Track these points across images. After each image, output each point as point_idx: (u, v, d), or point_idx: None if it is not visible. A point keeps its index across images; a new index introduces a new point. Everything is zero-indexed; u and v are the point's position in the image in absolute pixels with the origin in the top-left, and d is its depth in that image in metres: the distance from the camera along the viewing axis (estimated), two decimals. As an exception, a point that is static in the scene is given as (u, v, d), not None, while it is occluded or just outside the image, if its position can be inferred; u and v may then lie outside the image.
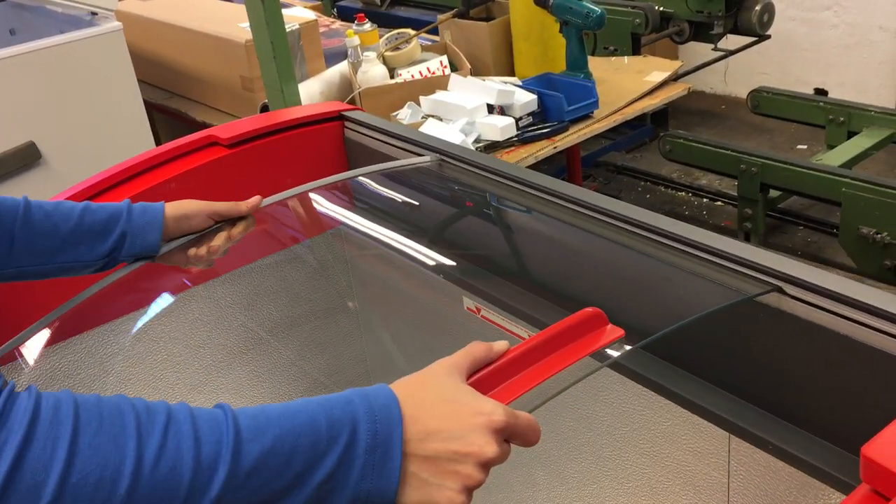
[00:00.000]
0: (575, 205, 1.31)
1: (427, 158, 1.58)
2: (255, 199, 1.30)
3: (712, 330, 1.14)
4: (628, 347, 1.00)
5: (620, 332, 0.94)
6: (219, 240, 1.25)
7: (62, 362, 1.54)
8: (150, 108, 3.16)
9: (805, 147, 4.12)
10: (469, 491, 0.70)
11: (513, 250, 1.55)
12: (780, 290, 1.04)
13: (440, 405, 0.70)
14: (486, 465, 0.70)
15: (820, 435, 1.04)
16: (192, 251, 1.24)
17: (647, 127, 4.28)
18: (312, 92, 2.72)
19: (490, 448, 0.69)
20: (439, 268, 1.60)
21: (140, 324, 1.62)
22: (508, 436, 0.72)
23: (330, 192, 1.67)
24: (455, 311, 1.59)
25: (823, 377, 1.02)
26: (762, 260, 1.07)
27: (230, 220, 1.29)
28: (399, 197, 1.71)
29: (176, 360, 1.72)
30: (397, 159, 1.64)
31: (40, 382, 1.53)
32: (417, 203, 1.70)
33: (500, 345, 0.80)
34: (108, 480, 0.60)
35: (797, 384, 1.05)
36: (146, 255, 1.20)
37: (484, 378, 0.80)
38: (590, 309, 0.92)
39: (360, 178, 1.65)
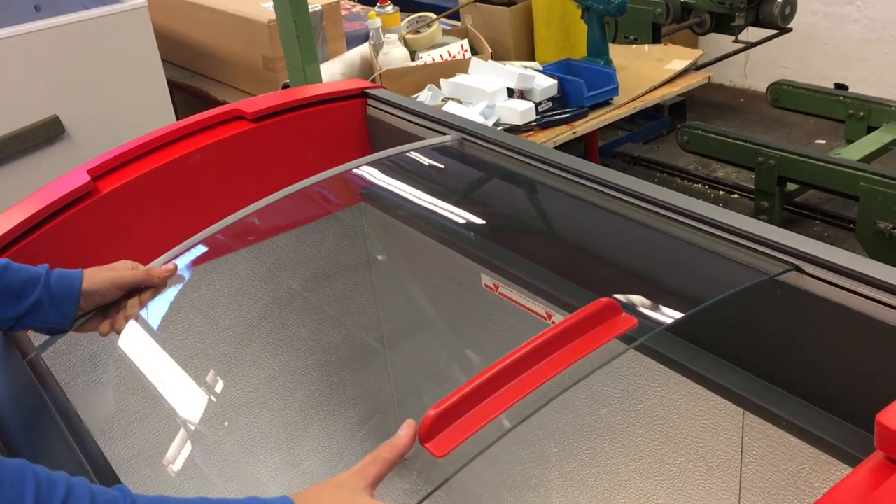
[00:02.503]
0: (595, 184, 1.33)
1: (449, 137, 1.60)
2: (170, 265, 1.27)
3: (729, 309, 1.15)
4: (650, 332, 1.03)
5: (633, 321, 0.97)
6: (133, 308, 1.22)
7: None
8: (172, 86, 3.18)
9: (824, 142, 4.10)
10: None
11: (532, 228, 1.56)
12: (799, 269, 1.05)
13: None
14: None
15: (835, 411, 1.05)
16: (107, 323, 1.21)
17: (665, 119, 4.27)
18: (333, 73, 2.74)
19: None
20: (458, 244, 1.62)
21: (162, 293, 1.64)
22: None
23: (352, 169, 1.69)
24: (473, 287, 1.60)
25: (840, 354, 1.03)
26: (781, 239, 1.08)
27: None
28: (420, 175, 1.73)
29: (196, 329, 1.75)
30: (419, 137, 1.65)
31: (61, 351, 1.56)
32: (438, 181, 1.71)
33: (402, 435, 0.83)
34: None
35: (813, 361, 1.07)
36: (59, 327, 1.16)
37: (504, 371, 0.86)
38: (603, 300, 0.96)
39: (381, 155, 1.67)
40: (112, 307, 1.22)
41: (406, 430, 0.83)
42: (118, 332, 1.23)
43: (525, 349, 0.91)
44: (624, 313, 0.99)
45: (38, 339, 1.40)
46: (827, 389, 1.05)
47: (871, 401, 0.86)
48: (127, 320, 1.22)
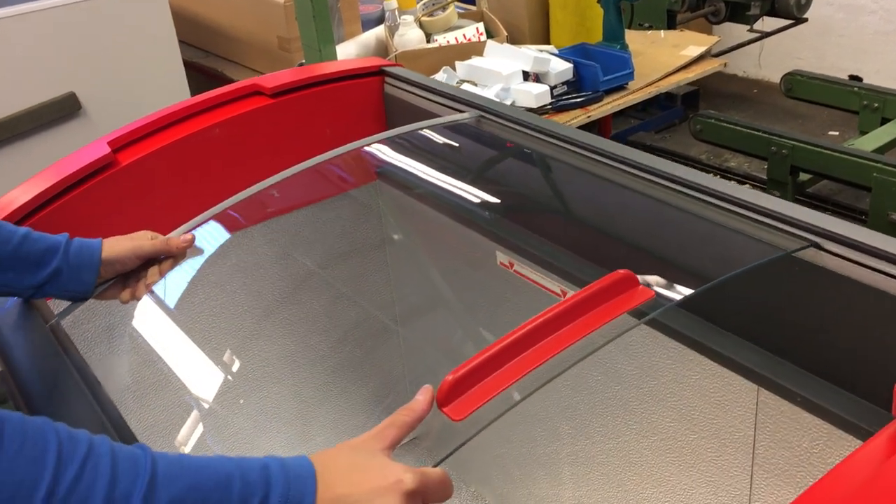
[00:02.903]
0: (612, 161, 1.33)
1: (467, 115, 1.61)
2: (186, 236, 1.28)
3: (746, 285, 1.16)
4: (665, 305, 1.04)
5: (650, 292, 0.97)
6: (153, 276, 1.23)
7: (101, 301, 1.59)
8: (187, 66, 3.18)
9: (837, 133, 4.09)
10: None
11: (548, 206, 1.57)
12: (817, 246, 1.05)
13: (352, 473, 0.74)
14: None
15: (850, 387, 1.06)
16: (128, 291, 1.22)
17: (678, 108, 4.26)
18: (349, 54, 2.75)
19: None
20: (473, 222, 1.63)
21: (180, 266, 1.66)
22: (422, 497, 0.75)
23: (368, 146, 1.69)
24: (488, 265, 1.61)
25: (857, 330, 1.04)
26: (799, 215, 1.09)
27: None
28: (436, 152, 1.73)
29: (212, 303, 1.76)
30: (436, 115, 1.66)
31: (79, 320, 1.57)
32: (454, 158, 1.72)
33: (420, 400, 0.83)
34: (20, 500, 0.60)
35: (829, 337, 1.07)
36: (80, 295, 1.18)
37: (523, 338, 0.87)
38: (621, 271, 0.96)
39: (398, 131, 1.68)
40: (132, 276, 1.24)
41: (424, 395, 0.84)
42: (138, 300, 1.25)
43: (543, 318, 0.92)
44: (641, 286, 1.00)
45: (56, 307, 1.42)
46: (842, 365, 1.06)
47: (887, 376, 0.87)
48: (147, 289, 1.24)
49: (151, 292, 1.33)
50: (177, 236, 1.30)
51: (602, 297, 0.96)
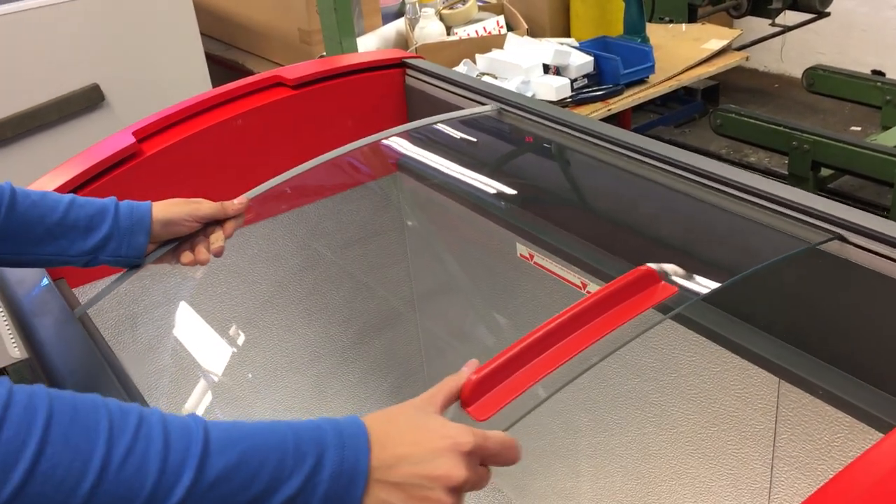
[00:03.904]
0: (632, 152, 1.33)
1: (488, 107, 1.61)
2: (241, 199, 1.23)
3: (768, 278, 1.16)
4: (690, 300, 1.04)
5: (673, 289, 0.96)
6: (218, 240, 1.18)
7: (131, 287, 1.61)
8: (208, 59, 3.20)
9: (859, 129, 4.06)
10: None
11: (569, 198, 1.57)
12: (842, 238, 1.05)
13: (408, 433, 0.72)
14: (455, 490, 0.70)
15: (872, 380, 1.06)
16: (188, 254, 1.17)
17: (698, 102, 4.24)
18: (369, 47, 2.75)
19: (458, 471, 0.70)
20: (493, 214, 1.63)
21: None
22: (481, 458, 0.73)
23: (388, 137, 1.70)
24: (508, 257, 1.62)
25: (881, 324, 1.04)
26: (823, 207, 1.08)
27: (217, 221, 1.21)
28: (456, 144, 1.74)
29: (234, 292, 1.78)
30: (458, 107, 1.66)
31: (104, 309, 1.59)
32: (474, 150, 1.72)
33: (465, 371, 0.82)
34: (75, 473, 0.60)
35: (852, 330, 1.07)
36: (133, 260, 1.13)
37: (545, 336, 0.86)
38: (641, 268, 0.96)
39: (418, 124, 1.68)
40: (192, 239, 1.18)
41: (469, 367, 0.82)
42: (202, 265, 1.18)
43: (564, 316, 0.90)
44: (663, 282, 1.00)
45: (82, 296, 1.44)
46: (865, 358, 1.06)
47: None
48: (213, 252, 1.17)
49: (183, 278, 1.30)
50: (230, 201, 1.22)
51: (623, 295, 0.96)
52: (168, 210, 1.15)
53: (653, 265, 1.00)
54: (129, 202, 1.13)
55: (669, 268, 1.27)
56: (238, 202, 1.21)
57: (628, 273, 0.98)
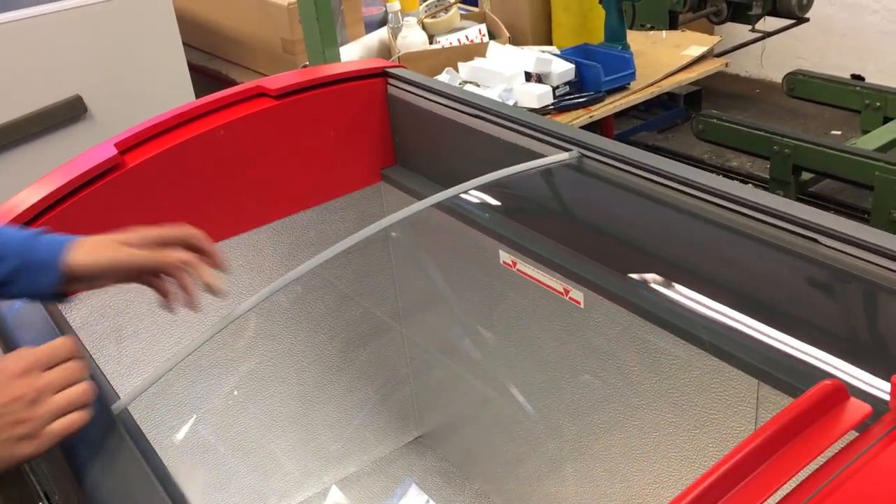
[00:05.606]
0: (613, 160, 1.35)
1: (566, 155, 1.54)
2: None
3: (746, 282, 1.17)
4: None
5: (868, 408, 0.79)
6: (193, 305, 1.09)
7: (113, 300, 1.61)
8: (190, 69, 3.21)
9: (839, 133, 4.10)
10: (30, 432, 0.79)
11: (550, 205, 1.58)
12: (816, 242, 1.07)
13: None
14: (34, 401, 0.79)
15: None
16: (162, 298, 1.10)
17: (680, 108, 4.28)
18: (352, 56, 2.77)
19: (20, 383, 0.78)
20: (476, 222, 1.64)
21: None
22: (42, 367, 0.81)
23: (372, 146, 1.71)
24: (491, 264, 1.63)
25: (857, 324, 1.05)
26: (799, 213, 1.10)
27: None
28: (438, 151, 1.75)
29: (218, 304, 1.77)
30: (440, 116, 1.67)
31: (95, 318, 1.59)
32: (456, 157, 1.73)
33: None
34: None
35: (830, 330, 1.09)
36: (43, 298, 1.05)
37: (720, 480, 0.75)
38: (828, 382, 0.79)
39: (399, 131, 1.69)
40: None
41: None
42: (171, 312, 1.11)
43: (750, 446, 0.76)
44: (852, 398, 0.81)
45: (66, 308, 1.43)
46: (843, 359, 1.07)
47: (887, 371, 0.88)
48: (189, 306, 1.09)
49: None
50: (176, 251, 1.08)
51: (807, 419, 0.78)
52: (85, 256, 1.00)
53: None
54: (51, 236, 1.02)
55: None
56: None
57: (811, 391, 0.80)
